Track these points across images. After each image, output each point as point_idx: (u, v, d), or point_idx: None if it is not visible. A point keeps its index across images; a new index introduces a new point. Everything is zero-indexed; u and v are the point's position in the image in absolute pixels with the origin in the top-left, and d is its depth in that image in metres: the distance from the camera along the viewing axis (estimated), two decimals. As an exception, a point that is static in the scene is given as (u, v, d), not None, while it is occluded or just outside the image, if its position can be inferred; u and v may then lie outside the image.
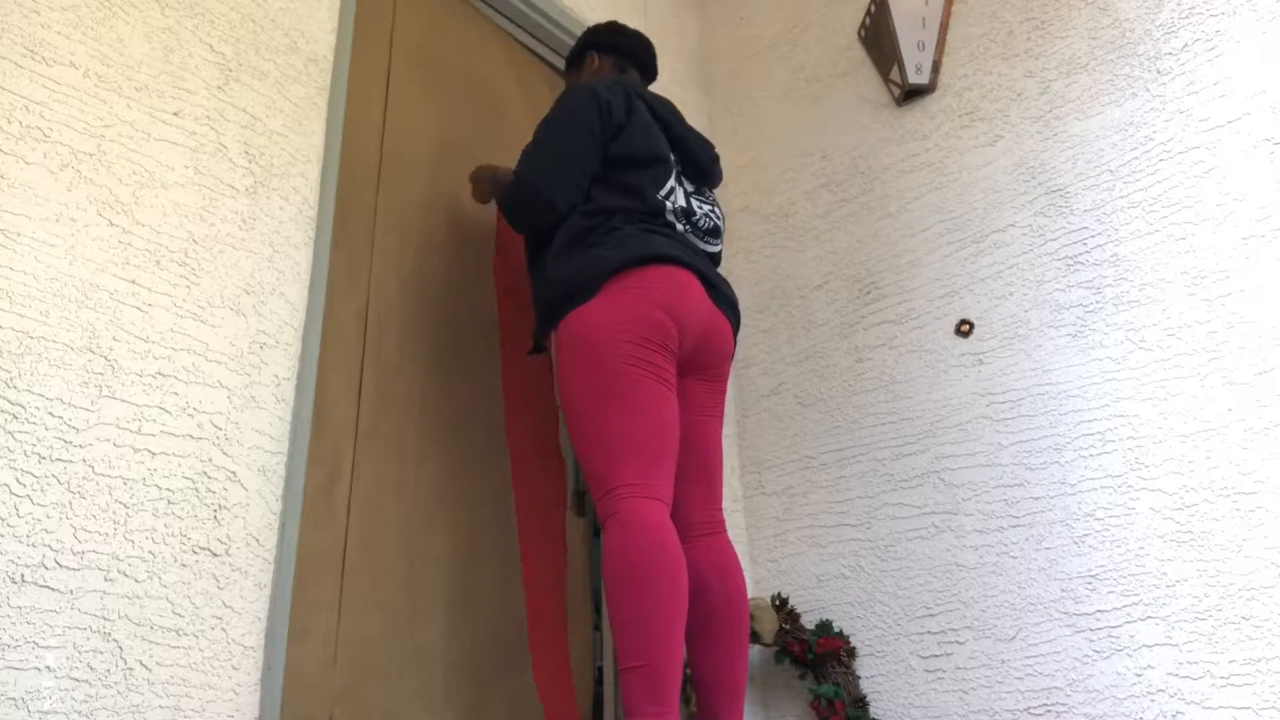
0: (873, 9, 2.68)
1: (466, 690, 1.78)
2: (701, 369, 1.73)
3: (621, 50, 1.99)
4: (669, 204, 1.74)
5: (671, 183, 1.76)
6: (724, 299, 1.75)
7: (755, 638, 2.21)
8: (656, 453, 1.54)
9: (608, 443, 1.53)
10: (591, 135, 1.71)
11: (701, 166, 1.86)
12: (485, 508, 1.97)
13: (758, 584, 2.48)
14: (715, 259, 1.88)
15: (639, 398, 1.54)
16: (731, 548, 1.72)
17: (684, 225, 1.77)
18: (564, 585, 2.00)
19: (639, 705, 1.39)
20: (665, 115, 1.83)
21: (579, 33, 2.61)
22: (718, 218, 1.86)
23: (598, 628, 2.23)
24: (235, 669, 1.40)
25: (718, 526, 1.73)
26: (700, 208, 1.83)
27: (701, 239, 1.81)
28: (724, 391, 1.79)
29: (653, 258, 1.62)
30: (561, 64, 2.66)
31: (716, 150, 1.96)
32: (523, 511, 1.96)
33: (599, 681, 2.18)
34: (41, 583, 1.23)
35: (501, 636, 1.89)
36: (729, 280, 2.84)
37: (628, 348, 1.56)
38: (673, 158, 1.80)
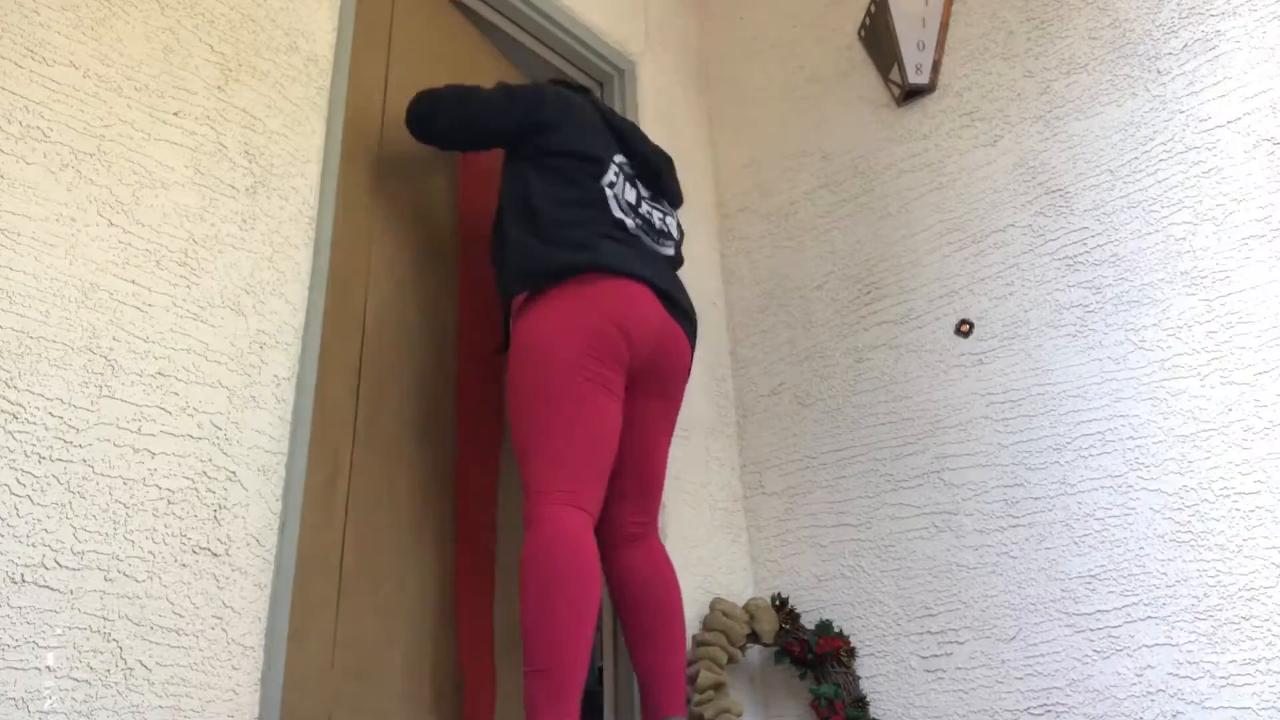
0: (873, 9, 2.68)
1: (457, 693, 1.77)
2: (655, 385, 1.75)
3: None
4: (611, 193, 1.77)
5: (611, 177, 1.80)
6: (682, 313, 1.77)
7: (755, 638, 2.21)
8: (588, 463, 1.57)
9: (540, 449, 1.57)
10: (501, 119, 1.83)
11: (655, 170, 1.91)
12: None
13: (758, 584, 2.48)
14: (673, 263, 1.89)
15: (578, 408, 1.58)
16: (661, 547, 1.77)
17: (635, 221, 1.80)
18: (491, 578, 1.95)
19: (540, 707, 1.42)
20: (620, 126, 1.90)
21: (579, 33, 2.62)
22: (672, 227, 1.90)
23: (598, 627, 2.23)
24: (235, 669, 1.40)
25: (649, 529, 1.78)
26: (654, 210, 1.86)
27: (656, 240, 1.84)
28: (677, 408, 1.82)
29: (606, 269, 1.65)
30: (559, 62, 2.66)
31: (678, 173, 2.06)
32: (464, 503, 1.93)
33: (599, 681, 2.18)
34: (41, 583, 1.23)
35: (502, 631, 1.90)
36: (731, 280, 2.84)
37: (574, 357, 1.59)
38: (618, 159, 1.85)
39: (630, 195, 1.82)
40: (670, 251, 1.88)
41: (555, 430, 1.57)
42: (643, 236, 1.80)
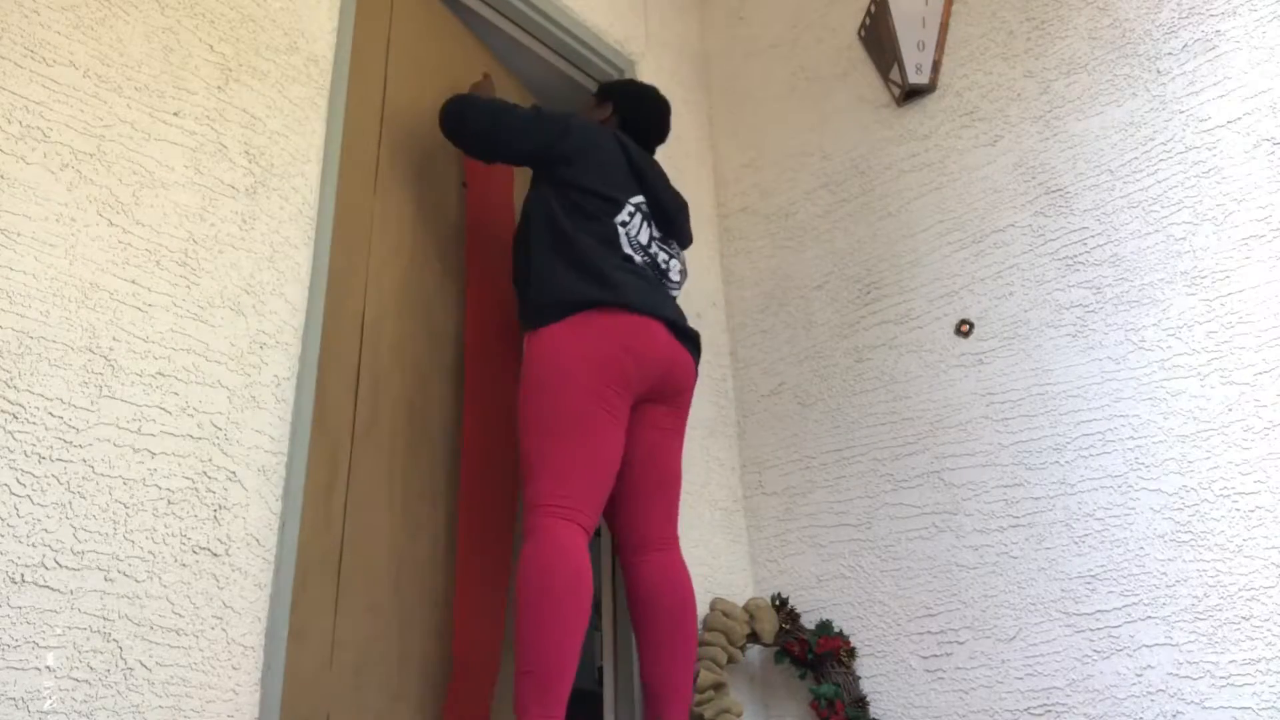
0: (873, 9, 2.68)
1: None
2: (663, 398, 1.86)
3: (629, 117, 2.13)
4: (623, 231, 1.87)
5: (625, 216, 1.89)
6: (688, 339, 1.88)
7: (755, 638, 2.21)
8: (589, 483, 1.65)
9: (545, 463, 1.65)
10: (522, 142, 1.89)
11: (669, 216, 2.00)
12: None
13: (758, 584, 2.48)
14: (673, 300, 1.97)
15: (585, 429, 1.66)
16: (682, 562, 1.85)
17: (642, 259, 1.90)
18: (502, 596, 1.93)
19: (528, 706, 1.49)
20: (643, 167, 1.97)
21: (579, 33, 2.62)
22: (677, 270, 2.00)
23: (597, 628, 2.22)
24: (235, 669, 1.40)
25: (671, 542, 1.85)
26: (660, 251, 1.96)
27: (660, 279, 1.94)
28: (685, 416, 1.93)
29: (625, 305, 1.75)
30: (559, 62, 2.66)
31: (689, 210, 2.16)
32: (468, 508, 1.92)
33: (599, 682, 2.18)
34: (41, 583, 1.23)
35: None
36: (731, 280, 2.84)
37: (586, 380, 1.68)
38: (635, 200, 1.93)
39: (643, 235, 1.92)
40: (674, 292, 1.99)
41: (562, 449, 1.65)
42: (648, 272, 1.90)
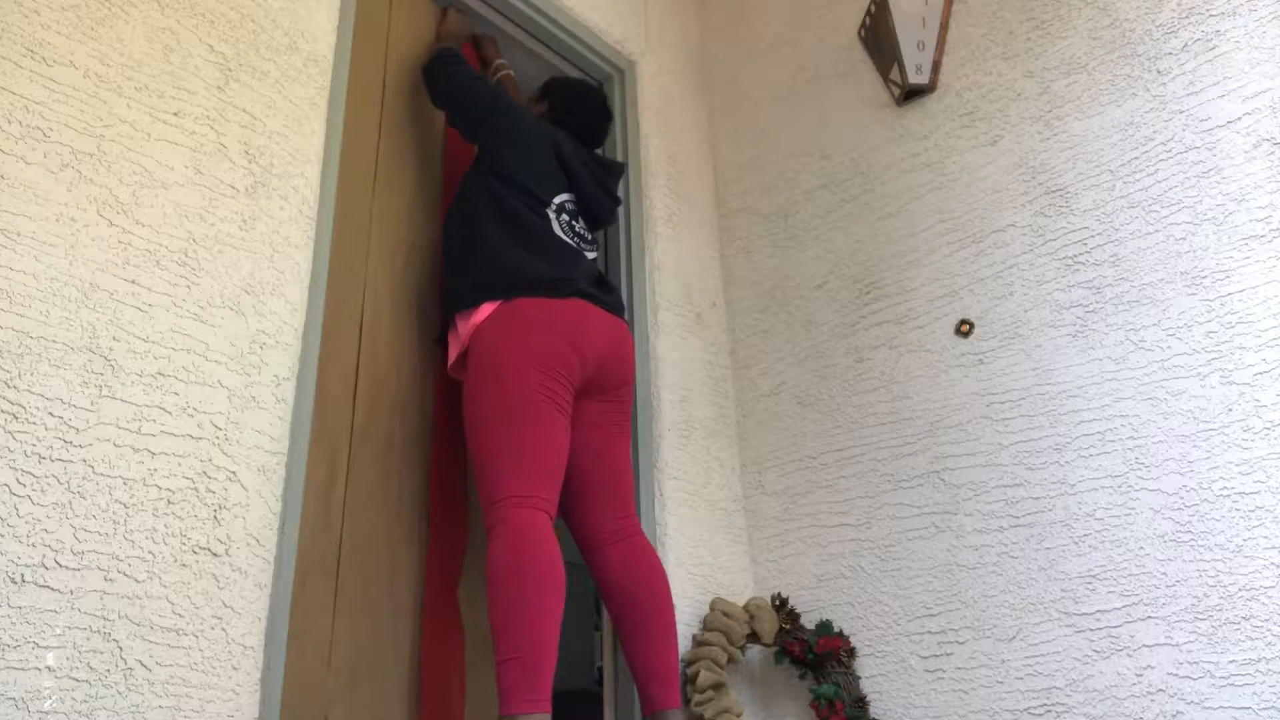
0: (873, 9, 2.68)
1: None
2: (603, 391, 1.89)
3: (562, 114, 2.19)
4: (554, 218, 1.94)
5: (550, 212, 1.96)
6: (618, 308, 1.93)
7: (755, 638, 2.21)
8: (543, 469, 1.67)
9: (499, 456, 1.66)
10: (489, 113, 2.01)
11: (594, 215, 2.09)
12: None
13: (758, 584, 2.48)
14: (596, 263, 2.04)
15: (534, 420, 1.68)
16: (648, 545, 1.85)
17: (572, 240, 1.96)
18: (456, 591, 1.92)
19: (515, 692, 1.48)
20: (574, 166, 2.04)
21: (579, 33, 2.62)
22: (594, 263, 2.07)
23: (597, 628, 2.22)
24: (235, 669, 1.40)
25: (632, 530, 1.86)
26: (582, 245, 2.01)
27: (585, 247, 2.00)
28: (628, 410, 1.96)
29: (563, 291, 1.80)
30: (559, 62, 2.66)
31: (620, 204, 2.21)
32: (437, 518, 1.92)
33: (599, 682, 2.18)
34: (41, 583, 1.23)
35: (472, 642, 1.89)
36: (731, 280, 2.84)
37: (532, 375, 1.71)
38: (560, 199, 2.01)
39: (567, 232, 1.98)
40: (593, 254, 2.05)
41: (515, 441, 1.66)
42: (581, 247, 1.98)
